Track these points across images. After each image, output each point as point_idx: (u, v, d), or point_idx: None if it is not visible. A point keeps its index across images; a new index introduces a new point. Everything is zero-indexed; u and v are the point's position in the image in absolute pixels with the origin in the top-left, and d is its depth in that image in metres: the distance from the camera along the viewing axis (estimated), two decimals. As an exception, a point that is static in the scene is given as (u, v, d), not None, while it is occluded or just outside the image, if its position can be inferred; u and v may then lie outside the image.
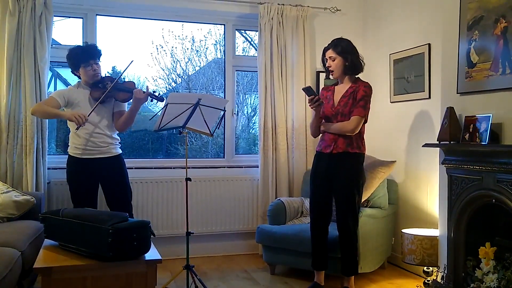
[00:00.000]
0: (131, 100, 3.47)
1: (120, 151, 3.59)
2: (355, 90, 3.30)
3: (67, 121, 3.48)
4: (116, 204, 3.47)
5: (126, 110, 3.58)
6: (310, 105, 3.34)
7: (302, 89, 3.40)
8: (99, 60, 3.51)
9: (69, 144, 3.51)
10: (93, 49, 3.50)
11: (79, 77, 3.53)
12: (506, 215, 2.87)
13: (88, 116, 3.32)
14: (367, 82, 3.36)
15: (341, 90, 3.37)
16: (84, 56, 3.44)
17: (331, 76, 3.44)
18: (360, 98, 3.26)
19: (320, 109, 3.35)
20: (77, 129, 3.32)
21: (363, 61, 3.39)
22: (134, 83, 3.57)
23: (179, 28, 4.81)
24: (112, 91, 3.44)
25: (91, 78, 3.47)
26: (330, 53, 3.35)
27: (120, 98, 3.49)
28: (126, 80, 3.71)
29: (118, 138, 3.60)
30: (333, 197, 3.37)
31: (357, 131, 3.26)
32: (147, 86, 3.48)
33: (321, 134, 3.46)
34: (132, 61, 3.40)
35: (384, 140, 4.44)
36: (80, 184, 3.44)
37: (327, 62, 3.38)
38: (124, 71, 3.45)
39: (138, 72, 4.86)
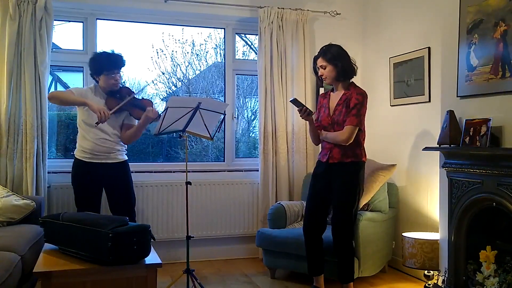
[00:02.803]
0: None
1: (126, 158, 3.60)
2: (348, 97, 3.25)
3: (79, 123, 3.47)
4: (119, 210, 3.47)
5: (135, 124, 3.58)
6: (300, 116, 3.31)
7: (290, 101, 3.36)
8: (121, 70, 3.51)
9: (76, 147, 3.51)
10: (119, 59, 3.48)
11: (97, 82, 3.52)
12: (506, 219, 2.87)
13: (110, 114, 3.31)
14: (360, 89, 3.30)
15: (335, 97, 3.34)
16: (109, 64, 3.42)
17: (324, 84, 3.40)
18: (353, 106, 3.21)
19: (311, 118, 3.31)
20: (96, 123, 3.28)
21: (355, 65, 3.33)
22: (151, 102, 3.57)
23: (179, 32, 4.82)
24: (128, 106, 3.45)
25: (110, 87, 3.47)
26: (320, 61, 3.30)
27: (135, 114, 3.50)
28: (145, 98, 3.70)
29: (125, 145, 3.62)
30: (331, 205, 3.36)
31: (351, 141, 3.20)
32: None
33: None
34: (152, 81, 3.41)
35: (384, 143, 4.43)
36: (84, 188, 3.45)
37: (319, 71, 3.33)
38: (143, 88, 3.43)
39: (138, 76, 4.87)
